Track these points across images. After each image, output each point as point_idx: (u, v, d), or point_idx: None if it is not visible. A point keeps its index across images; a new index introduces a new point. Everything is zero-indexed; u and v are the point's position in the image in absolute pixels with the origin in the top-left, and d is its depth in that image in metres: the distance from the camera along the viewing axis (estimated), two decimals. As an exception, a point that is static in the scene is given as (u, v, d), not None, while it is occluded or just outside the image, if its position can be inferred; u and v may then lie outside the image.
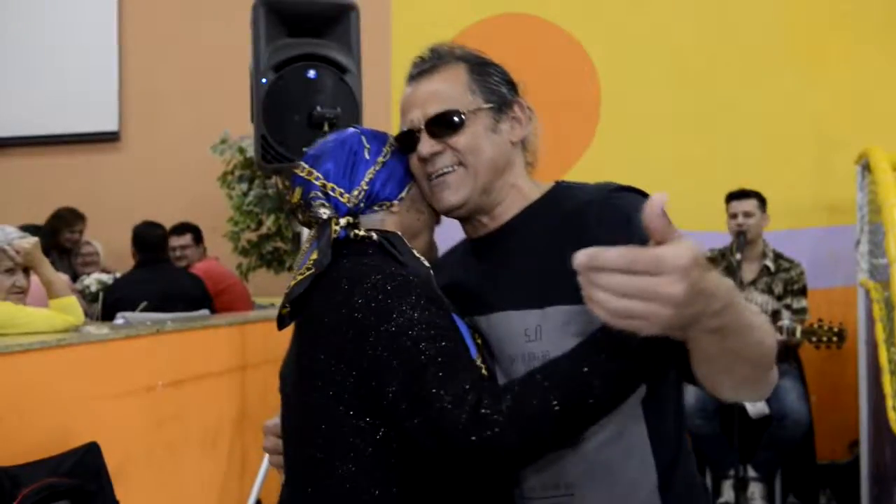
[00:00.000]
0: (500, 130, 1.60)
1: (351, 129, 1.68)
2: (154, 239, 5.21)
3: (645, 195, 1.53)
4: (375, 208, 1.62)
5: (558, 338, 1.47)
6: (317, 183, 1.61)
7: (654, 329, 1.08)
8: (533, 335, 1.52)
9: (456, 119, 1.57)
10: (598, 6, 6.07)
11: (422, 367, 1.38)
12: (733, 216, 4.74)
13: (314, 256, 1.56)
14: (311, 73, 4.01)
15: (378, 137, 1.66)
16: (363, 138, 1.65)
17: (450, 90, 1.59)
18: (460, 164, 1.58)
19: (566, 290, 1.40)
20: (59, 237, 5.96)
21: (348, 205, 1.61)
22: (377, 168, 1.62)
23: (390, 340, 1.42)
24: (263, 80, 4.01)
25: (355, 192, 1.61)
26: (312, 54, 4.05)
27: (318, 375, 1.51)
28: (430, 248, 1.70)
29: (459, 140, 1.57)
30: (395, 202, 1.63)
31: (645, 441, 1.53)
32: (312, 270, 1.54)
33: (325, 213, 1.60)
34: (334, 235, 1.57)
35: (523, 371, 1.45)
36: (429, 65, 1.63)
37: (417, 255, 1.58)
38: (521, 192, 1.63)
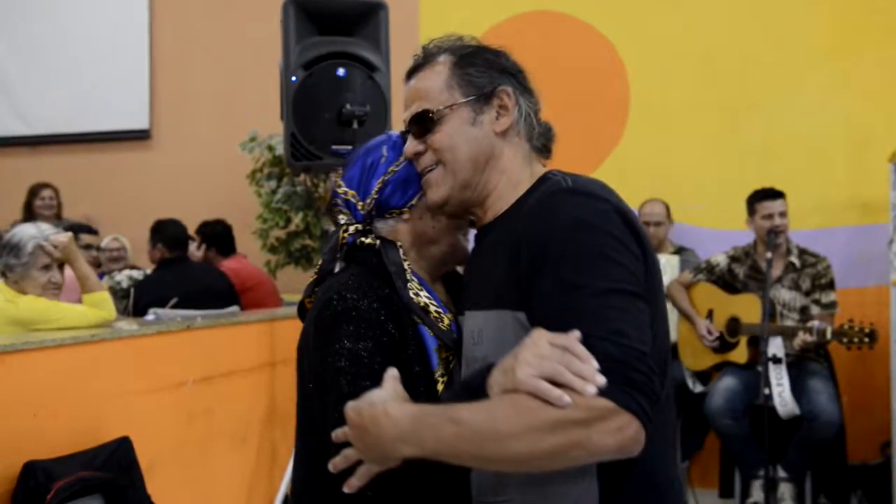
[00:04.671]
0: (481, 122, 1.59)
1: (382, 137, 1.74)
2: (184, 237, 5.25)
3: (589, 195, 1.47)
4: (386, 216, 1.68)
5: (495, 343, 1.45)
6: (339, 191, 1.70)
7: (370, 461, 1.39)
8: (476, 338, 1.53)
9: (429, 119, 1.59)
10: (627, 3, 6.03)
11: (336, 398, 1.47)
12: (768, 216, 4.68)
13: (319, 263, 1.70)
14: (341, 72, 4.02)
15: (398, 147, 1.70)
16: (384, 147, 1.70)
17: (428, 89, 1.61)
18: (439, 162, 1.60)
19: (505, 294, 1.46)
20: (31, 207, 6.29)
21: (362, 212, 1.68)
22: (387, 177, 1.67)
23: (323, 361, 1.55)
24: (293, 78, 4.02)
25: (368, 200, 1.68)
26: (342, 52, 4.06)
27: (302, 364, 1.67)
28: (453, 253, 1.72)
29: (435, 139, 1.60)
30: (406, 210, 1.67)
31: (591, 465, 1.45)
32: (316, 276, 1.69)
33: (342, 218, 1.70)
34: (342, 241, 1.67)
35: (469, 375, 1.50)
36: (416, 64, 1.66)
37: (408, 271, 1.63)
38: (510, 182, 1.60)
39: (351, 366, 1.50)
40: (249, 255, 5.99)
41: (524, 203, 1.54)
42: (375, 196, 1.67)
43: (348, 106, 3.91)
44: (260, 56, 5.93)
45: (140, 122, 7.12)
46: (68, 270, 3.49)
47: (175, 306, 4.60)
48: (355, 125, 3.88)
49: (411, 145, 1.63)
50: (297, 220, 5.92)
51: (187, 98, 6.97)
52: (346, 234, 1.67)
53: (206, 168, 6.78)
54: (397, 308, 1.59)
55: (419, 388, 1.54)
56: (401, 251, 1.65)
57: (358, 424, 1.38)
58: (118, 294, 5.18)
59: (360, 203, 1.68)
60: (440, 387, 1.59)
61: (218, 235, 5.69)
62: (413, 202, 1.67)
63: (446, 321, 1.64)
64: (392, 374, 1.43)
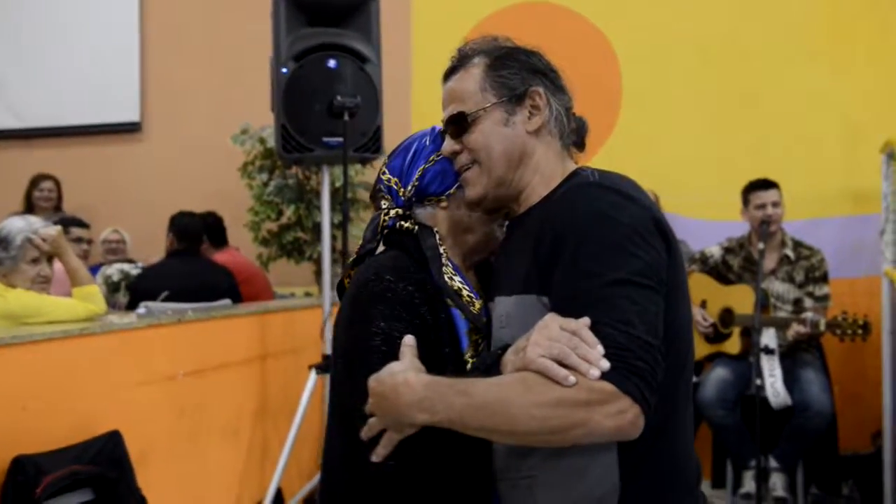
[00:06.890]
0: (514, 122, 1.67)
1: (426, 129, 1.82)
2: (193, 229, 5.23)
3: (614, 191, 1.53)
4: (425, 203, 1.77)
5: (521, 326, 1.51)
6: (383, 177, 1.80)
7: (389, 428, 1.48)
8: (504, 322, 1.61)
9: (464, 120, 1.67)
10: (619, -6, 6.02)
11: (367, 375, 1.52)
12: (761, 206, 4.68)
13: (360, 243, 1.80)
14: (332, 63, 4.01)
15: (439, 139, 1.77)
16: (427, 138, 1.79)
17: (464, 91, 1.69)
18: (475, 161, 1.68)
19: (530, 280, 1.55)
20: (31, 198, 6.29)
21: (403, 198, 1.77)
22: (428, 165, 1.76)
23: (356, 339, 1.63)
24: (284, 70, 4.01)
25: (409, 187, 1.77)
26: (333, 44, 4.05)
27: (335, 346, 1.74)
28: (487, 242, 1.78)
29: (470, 139, 1.68)
30: (444, 198, 1.75)
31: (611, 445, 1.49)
32: (356, 256, 1.77)
33: (384, 204, 1.79)
34: (383, 224, 1.77)
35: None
36: (452, 66, 1.74)
37: (444, 255, 1.71)
38: (543, 178, 1.67)
39: (383, 344, 1.57)
40: (241, 248, 5.97)
41: (553, 196, 1.63)
42: (416, 183, 1.75)
43: (339, 97, 3.90)
44: (251, 48, 5.90)
45: (131, 115, 7.08)
46: (58, 264, 3.48)
47: (167, 299, 4.58)
48: (346, 116, 3.87)
49: (448, 145, 1.71)
50: (289, 212, 5.90)
51: (178, 91, 6.94)
52: (386, 218, 1.76)
53: (197, 161, 6.75)
54: (431, 291, 1.67)
55: (449, 368, 1.59)
56: (437, 237, 1.73)
57: (378, 392, 1.48)
58: (109, 287, 5.16)
59: (402, 189, 1.77)
60: (469, 367, 1.66)
61: (210, 227, 5.67)
62: (451, 191, 1.74)
63: (477, 306, 1.71)
64: (408, 342, 1.54)
